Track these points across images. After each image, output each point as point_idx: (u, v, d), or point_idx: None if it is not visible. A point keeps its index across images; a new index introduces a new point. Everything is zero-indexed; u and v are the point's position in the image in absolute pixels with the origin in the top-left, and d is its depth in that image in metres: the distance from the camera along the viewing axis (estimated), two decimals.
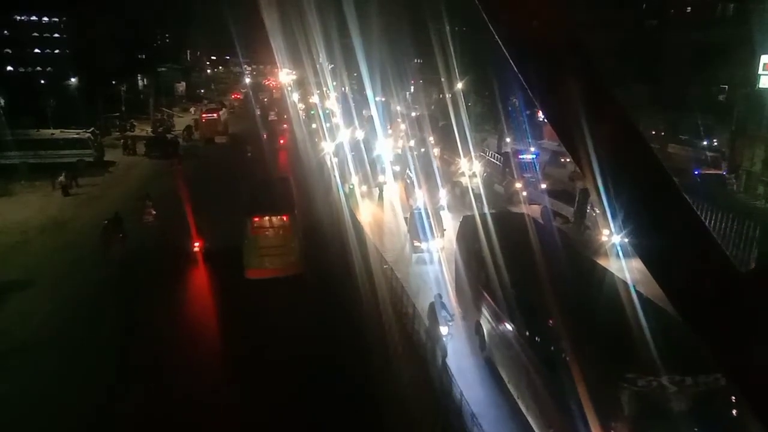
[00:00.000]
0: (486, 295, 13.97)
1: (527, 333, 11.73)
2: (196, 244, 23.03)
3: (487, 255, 13.91)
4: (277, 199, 23.25)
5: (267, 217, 21.61)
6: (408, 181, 29.43)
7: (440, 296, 14.44)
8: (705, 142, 37.94)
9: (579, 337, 9.82)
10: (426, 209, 22.24)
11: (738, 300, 1.76)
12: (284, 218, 21.66)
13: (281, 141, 53.21)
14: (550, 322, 10.82)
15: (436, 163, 31.02)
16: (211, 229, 23.65)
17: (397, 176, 32.79)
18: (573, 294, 11.30)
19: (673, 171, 28.86)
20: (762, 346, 1.72)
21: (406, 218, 24.15)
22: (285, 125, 60.82)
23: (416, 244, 21.46)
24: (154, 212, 27.77)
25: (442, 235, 21.78)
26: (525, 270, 12.50)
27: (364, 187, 30.75)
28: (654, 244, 1.84)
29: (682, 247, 1.82)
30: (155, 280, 21.05)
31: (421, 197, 24.84)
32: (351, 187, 29.82)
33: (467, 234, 16.36)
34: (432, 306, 14.01)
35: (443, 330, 13.39)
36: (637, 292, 10.41)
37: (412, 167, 29.27)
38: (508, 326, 12.53)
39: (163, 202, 28.48)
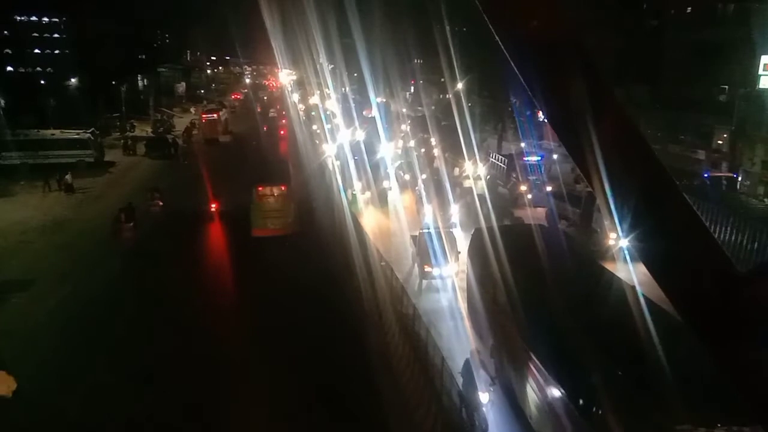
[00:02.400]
0: (503, 318, 12.78)
1: (554, 370, 10.18)
2: (213, 205, 28.03)
3: (502, 275, 12.47)
4: (276, 173, 28.91)
5: (269, 187, 25.64)
6: (418, 194, 28.26)
7: (479, 352, 12.62)
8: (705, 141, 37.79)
9: (618, 379, 8.60)
10: (437, 229, 20.24)
11: (738, 300, 1.76)
12: (282, 188, 25.83)
13: (281, 132, 57.31)
14: (581, 358, 9.35)
15: (445, 174, 29.65)
16: (220, 204, 28.31)
17: (404, 184, 31.59)
18: (607, 325, 9.60)
19: (685, 174, 28.83)
20: (762, 347, 1.71)
21: (414, 236, 21.55)
22: (284, 120, 63.84)
23: (427, 269, 19.02)
24: (161, 203, 29.31)
25: (457, 258, 19.41)
26: (546, 293, 11.14)
27: (368, 194, 29.91)
28: (654, 245, 1.83)
29: (682, 247, 1.81)
30: (173, 249, 24.07)
31: (430, 214, 23.28)
32: (354, 194, 29.07)
33: (479, 250, 15.03)
34: (467, 365, 11.71)
35: (483, 397, 10.98)
36: (676, 319, 8.68)
37: (421, 179, 28.20)
38: (530, 357, 11.04)
39: (167, 194, 30.80)
